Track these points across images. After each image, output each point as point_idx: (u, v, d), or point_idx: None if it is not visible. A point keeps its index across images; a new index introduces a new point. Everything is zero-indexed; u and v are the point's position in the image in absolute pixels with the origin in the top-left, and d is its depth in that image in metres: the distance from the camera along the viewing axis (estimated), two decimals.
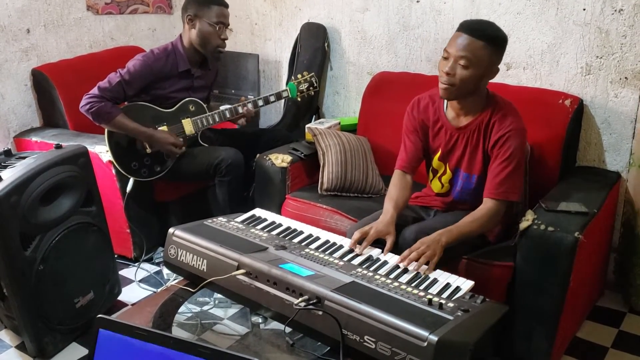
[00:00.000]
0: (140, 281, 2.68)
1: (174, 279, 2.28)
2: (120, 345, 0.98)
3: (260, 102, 2.76)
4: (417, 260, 1.74)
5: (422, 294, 1.52)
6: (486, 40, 1.86)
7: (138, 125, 2.56)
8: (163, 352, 0.95)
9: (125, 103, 2.65)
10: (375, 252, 1.81)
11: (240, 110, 2.71)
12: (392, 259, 1.76)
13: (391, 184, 2.11)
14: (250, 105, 2.72)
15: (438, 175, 2.14)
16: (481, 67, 1.88)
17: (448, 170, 2.11)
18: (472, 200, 2.09)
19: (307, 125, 2.81)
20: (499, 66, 1.96)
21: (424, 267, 1.73)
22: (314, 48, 3.16)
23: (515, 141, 1.94)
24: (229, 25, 2.67)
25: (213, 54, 2.69)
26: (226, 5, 2.67)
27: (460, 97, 1.97)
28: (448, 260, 1.95)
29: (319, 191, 2.56)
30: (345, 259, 1.74)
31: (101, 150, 2.62)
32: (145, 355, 0.96)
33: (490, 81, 2.61)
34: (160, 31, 3.71)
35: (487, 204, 1.94)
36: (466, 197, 2.10)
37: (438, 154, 2.11)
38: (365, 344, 1.38)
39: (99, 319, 1.00)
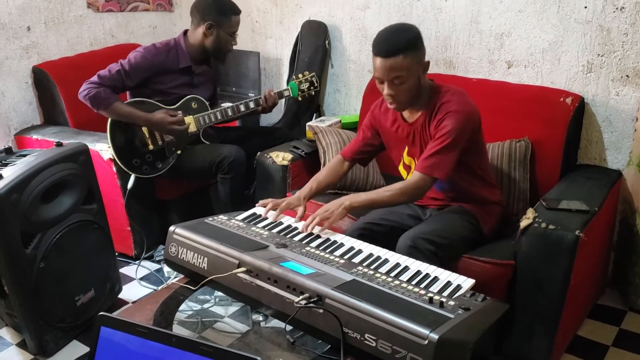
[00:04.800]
0: (140, 279, 2.68)
1: (175, 277, 2.28)
2: (122, 343, 0.98)
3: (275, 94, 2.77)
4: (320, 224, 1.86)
5: (422, 292, 1.52)
6: (402, 52, 1.87)
7: (135, 109, 2.57)
8: (164, 349, 0.95)
9: (128, 95, 2.66)
10: (365, 246, 1.81)
11: (242, 108, 2.72)
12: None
13: (326, 166, 2.21)
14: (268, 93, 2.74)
15: (411, 171, 2.16)
16: (413, 73, 1.92)
17: (415, 164, 2.13)
18: (451, 188, 2.10)
19: (307, 123, 2.82)
20: (426, 59, 1.97)
21: (328, 231, 1.87)
22: (314, 46, 3.16)
23: (452, 122, 1.94)
24: None
25: (222, 57, 2.76)
26: (240, 12, 2.71)
27: (412, 103, 2.01)
28: (450, 260, 1.95)
29: None
30: (346, 257, 1.73)
31: (102, 148, 2.62)
32: (146, 352, 0.96)
33: (492, 79, 2.63)
34: (160, 28, 3.70)
35: (413, 176, 1.98)
36: (444, 185, 2.11)
37: (406, 150, 2.14)
38: (366, 342, 1.38)
39: (101, 316, 1.00)
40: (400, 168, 2.21)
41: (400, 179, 2.14)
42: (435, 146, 1.94)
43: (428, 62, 1.97)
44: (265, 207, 1.99)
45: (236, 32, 2.70)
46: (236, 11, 2.68)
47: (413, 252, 1.84)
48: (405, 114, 2.09)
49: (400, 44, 1.88)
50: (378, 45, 1.92)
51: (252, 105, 2.73)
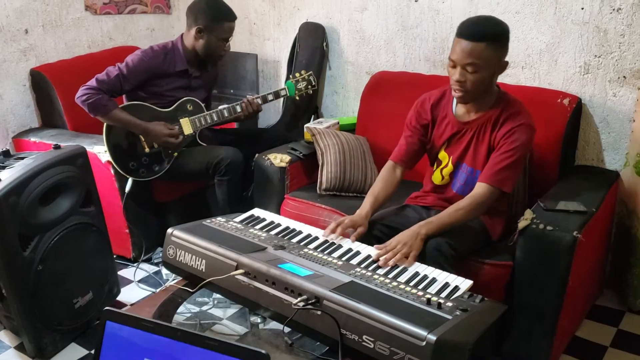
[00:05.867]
0: (139, 281, 2.68)
1: (173, 279, 2.28)
2: (127, 337, 0.99)
3: (259, 101, 2.76)
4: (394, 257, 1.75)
5: (420, 293, 1.52)
6: (487, 40, 1.84)
7: (133, 118, 2.57)
8: (169, 343, 0.95)
9: (124, 97, 2.66)
10: (363, 247, 1.81)
11: (238, 109, 2.71)
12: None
13: (378, 177, 2.14)
14: (250, 99, 2.73)
15: (441, 166, 2.15)
16: (490, 66, 1.88)
17: (450, 163, 2.11)
18: None
19: (306, 125, 2.81)
20: (506, 59, 1.94)
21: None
22: (312, 48, 3.16)
23: (523, 136, 1.93)
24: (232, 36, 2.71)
25: (213, 61, 2.75)
26: (235, 19, 2.68)
27: (477, 98, 1.98)
28: (455, 261, 1.95)
29: (318, 191, 2.56)
30: (344, 258, 1.74)
31: (100, 151, 2.62)
32: (151, 346, 0.97)
33: None
34: (158, 31, 3.71)
35: (480, 188, 1.94)
36: (469, 191, 2.10)
37: (444, 146, 2.12)
38: (364, 343, 1.38)
39: (106, 311, 1.01)
40: (434, 164, 2.17)
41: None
42: (506, 159, 1.92)
43: (506, 63, 1.94)
44: (334, 232, 1.88)
45: (229, 38, 2.68)
46: (230, 18, 2.65)
47: (438, 256, 1.84)
48: (460, 110, 2.06)
49: (487, 31, 1.86)
50: (466, 28, 1.88)
51: (251, 98, 2.73)
